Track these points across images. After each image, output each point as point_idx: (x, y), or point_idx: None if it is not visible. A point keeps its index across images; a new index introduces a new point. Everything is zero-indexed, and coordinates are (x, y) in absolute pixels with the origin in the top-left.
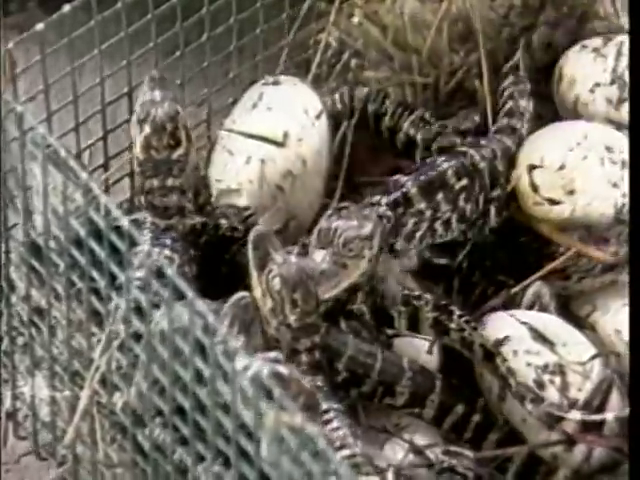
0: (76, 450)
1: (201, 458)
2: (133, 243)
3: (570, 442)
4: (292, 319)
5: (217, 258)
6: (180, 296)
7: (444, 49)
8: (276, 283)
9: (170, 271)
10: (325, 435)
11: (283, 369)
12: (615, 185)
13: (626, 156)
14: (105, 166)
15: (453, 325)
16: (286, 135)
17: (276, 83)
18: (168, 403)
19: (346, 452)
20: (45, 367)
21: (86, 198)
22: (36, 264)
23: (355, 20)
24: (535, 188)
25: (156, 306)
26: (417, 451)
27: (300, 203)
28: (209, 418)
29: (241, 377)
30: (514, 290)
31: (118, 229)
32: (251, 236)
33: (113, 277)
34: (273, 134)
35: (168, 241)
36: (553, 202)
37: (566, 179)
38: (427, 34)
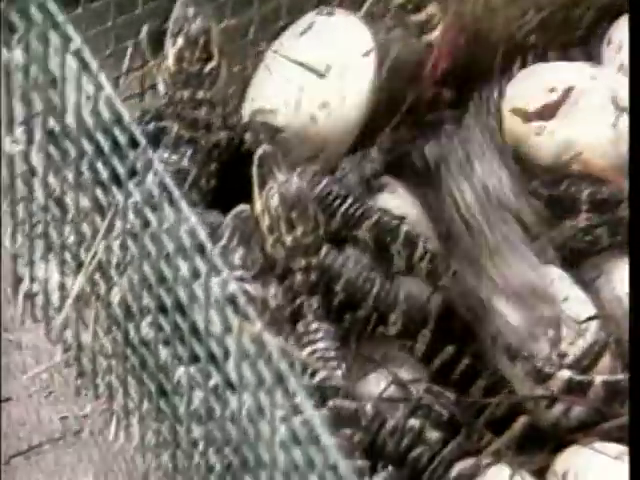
0: (80, 338)
1: (180, 359)
2: (135, 141)
3: (553, 399)
4: (287, 238)
5: (238, 174)
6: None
7: None
8: (274, 201)
9: (160, 169)
10: (308, 353)
11: (249, 287)
12: None
13: None
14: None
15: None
16: (329, 67)
17: (330, 14)
18: (154, 300)
19: (324, 373)
20: (57, 253)
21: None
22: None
23: None
24: None
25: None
26: (400, 384)
27: (332, 136)
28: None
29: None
30: None
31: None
32: (257, 153)
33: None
34: (316, 64)
35: (189, 152)
36: None
37: None
38: None
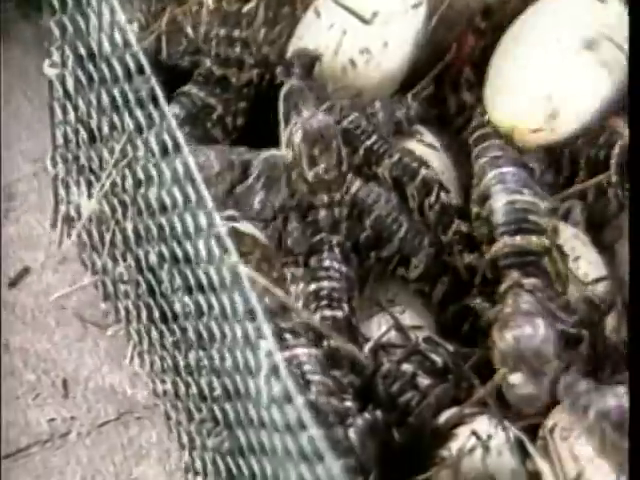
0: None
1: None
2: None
3: None
4: (309, 173)
5: (268, 112)
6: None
7: None
8: (298, 136)
9: (162, 100)
10: (313, 290)
11: (239, 225)
12: None
13: None
14: None
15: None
16: (375, 14)
17: None
18: (156, 228)
19: (327, 313)
20: (85, 177)
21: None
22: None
23: None
24: None
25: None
26: (400, 329)
27: (370, 83)
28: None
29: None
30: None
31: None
32: (284, 88)
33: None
34: (363, 10)
35: (218, 90)
36: None
37: None
38: None
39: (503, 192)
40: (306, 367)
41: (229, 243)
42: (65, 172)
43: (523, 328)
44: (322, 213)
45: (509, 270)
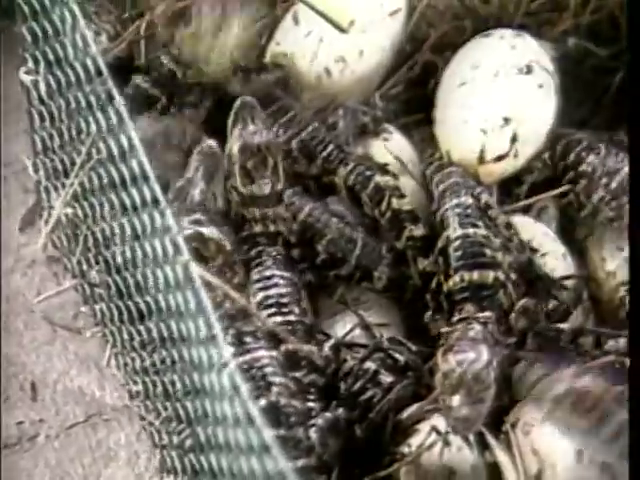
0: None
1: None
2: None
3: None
4: (240, 184)
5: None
6: None
7: None
8: (236, 146)
9: (118, 99)
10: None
11: (205, 230)
12: None
13: None
14: None
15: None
16: (352, 23)
17: None
18: (120, 230)
19: (279, 319)
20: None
21: None
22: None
23: None
24: None
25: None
26: (365, 327)
27: (344, 90)
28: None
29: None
30: (524, 203)
31: None
32: (237, 102)
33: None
34: (340, 18)
35: (164, 82)
36: None
37: None
38: None
39: (460, 224)
40: (267, 369)
41: (182, 243)
42: (45, 177)
43: (467, 353)
44: (257, 228)
45: (464, 303)
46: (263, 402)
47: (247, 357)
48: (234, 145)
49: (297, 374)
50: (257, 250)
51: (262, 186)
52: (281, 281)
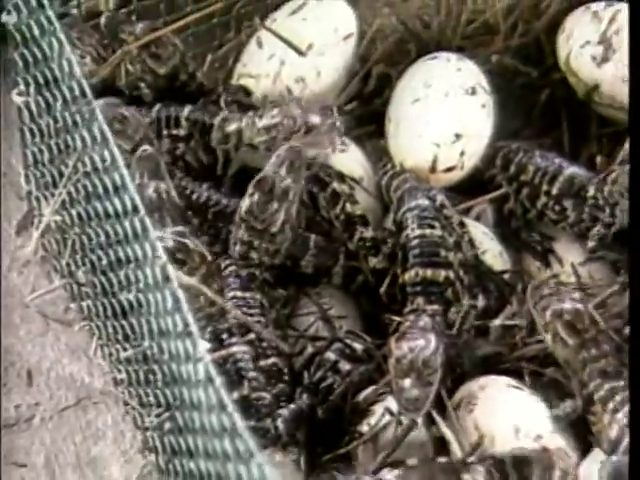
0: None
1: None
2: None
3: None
4: None
5: None
6: None
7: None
8: None
9: (100, 119)
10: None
11: (188, 241)
12: None
13: None
14: None
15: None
16: (310, 46)
17: None
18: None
19: (249, 337)
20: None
21: None
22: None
23: None
24: None
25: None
26: (325, 319)
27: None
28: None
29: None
30: (463, 206)
31: None
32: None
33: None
34: (299, 42)
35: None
36: None
37: None
38: None
39: (418, 225)
40: (240, 364)
41: (159, 246)
42: (36, 188)
43: (417, 340)
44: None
45: (416, 296)
46: (236, 395)
47: (223, 352)
48: None
49: (267, 362)
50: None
51: None
52: (244, 301)
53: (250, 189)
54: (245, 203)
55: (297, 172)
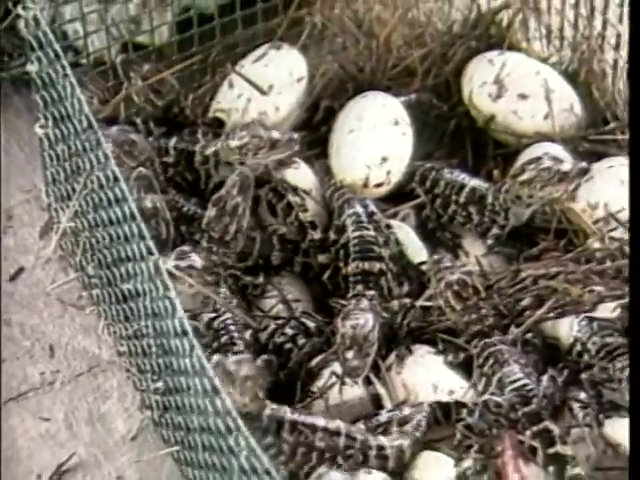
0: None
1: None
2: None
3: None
4: None
5: None
6: None
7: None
8: None
9: (104, 146)
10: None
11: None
12: None
13: None
14: None
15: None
16: (271, 87)
17: (279, 47)
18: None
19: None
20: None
21: None
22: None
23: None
24: None
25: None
26: (285, 302)
27: None
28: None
29: None
30: (390, 212)
31: None
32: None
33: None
34: (262, 83)
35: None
36: None
37: None
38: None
39: (356, 227)
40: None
41: (152, 246)
42: (54, 201)
43: (359, 320)
44: None
45: (357, 284)
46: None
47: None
48: None
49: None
50: None
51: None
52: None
53: (209, 205)
54: (205, 216)
55: (246, 192)
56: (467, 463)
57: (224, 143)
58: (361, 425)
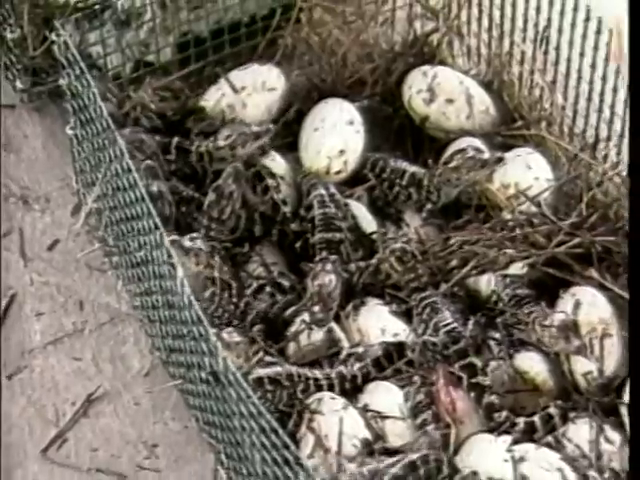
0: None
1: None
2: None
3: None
4: None
5: None
6: None
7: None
8: None
9: (121, 145)
10: None
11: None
12: None
13: None
14: None
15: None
16: (243, 88)
17: (262, 63)
18: (123, 214)
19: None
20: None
21: None
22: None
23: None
24: None
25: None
26: (264, 265)
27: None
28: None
29: None
30: (347, 193)
31: None
32: None
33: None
34: (239, 86)
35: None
36: None
37: None
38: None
39: (320, 206)
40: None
41: (159, 222)
42: (82, 187)
43: (324, 279)
44: None
45: (321, 250)
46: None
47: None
48: None
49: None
50: None
51: None
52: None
53: (209, 191)
54: (206, 200)
55: (239, 181)
56: (410, 389)
57: (212, 143)
58: (325, 361)
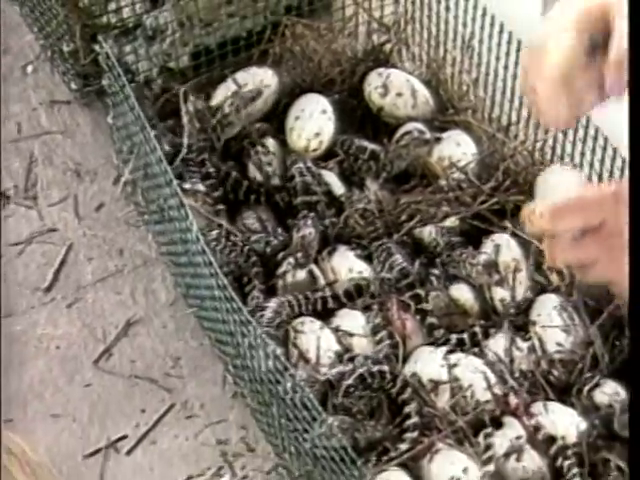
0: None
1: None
2: None
3: None
4: None
5: None
6: None
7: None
8: None
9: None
10: None
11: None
12: None
13: None
14: None
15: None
16: (245, 85)
17: (259, 67)
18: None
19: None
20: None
21: None
22: None
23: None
24: None
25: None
26: (259, 219)
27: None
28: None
29: None
30: (322, 164)
31: None
32: None
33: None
34: (242, 83)
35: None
36: None
37: None
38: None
39: (300, 175)
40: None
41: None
42: (121, 162)
43: (305, 231)
44: None
45: (302, 209)
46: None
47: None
48: None
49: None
50: None
51: None
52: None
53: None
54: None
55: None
56: (370, 314)
57: (222, 112)
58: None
